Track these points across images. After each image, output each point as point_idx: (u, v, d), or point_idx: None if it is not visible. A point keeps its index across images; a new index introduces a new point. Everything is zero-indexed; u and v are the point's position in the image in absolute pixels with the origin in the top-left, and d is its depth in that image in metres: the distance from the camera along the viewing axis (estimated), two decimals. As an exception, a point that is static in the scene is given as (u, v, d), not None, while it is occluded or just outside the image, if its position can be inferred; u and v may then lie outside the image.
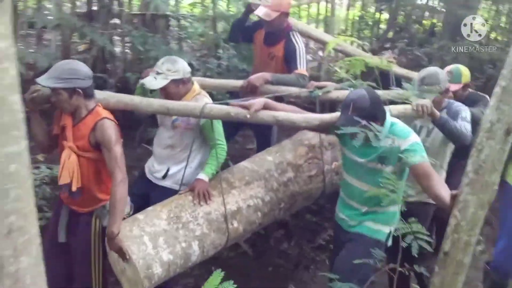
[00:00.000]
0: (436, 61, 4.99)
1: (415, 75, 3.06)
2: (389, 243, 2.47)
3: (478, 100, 3.18)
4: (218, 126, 2.70)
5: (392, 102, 2.75)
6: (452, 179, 2.63)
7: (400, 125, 2.39)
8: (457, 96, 3.05)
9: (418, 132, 2.81)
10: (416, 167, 2.23)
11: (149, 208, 2.51)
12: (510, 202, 2.79)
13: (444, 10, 5.98)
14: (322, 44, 4.45)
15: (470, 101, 3.09)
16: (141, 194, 2.71)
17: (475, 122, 2.73)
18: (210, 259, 2.71)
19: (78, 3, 4.80)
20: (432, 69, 2.84)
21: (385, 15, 6.56)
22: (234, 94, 3.46)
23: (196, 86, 2.75)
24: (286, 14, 3.31)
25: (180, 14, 4.53)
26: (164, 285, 2.50)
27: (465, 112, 2.77)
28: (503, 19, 6.25)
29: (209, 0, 4.66)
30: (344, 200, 2.56)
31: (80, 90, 2.22)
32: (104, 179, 2.41)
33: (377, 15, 6.43)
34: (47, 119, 2.60)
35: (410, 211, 2.07)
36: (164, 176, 2.77)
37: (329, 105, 4.00)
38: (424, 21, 6.40)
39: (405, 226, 1.96)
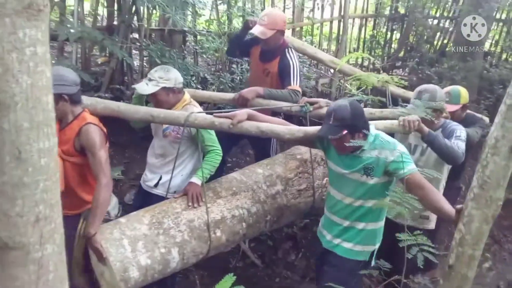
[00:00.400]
0: (446, 80, 5.03)
1: (411, 94, 3.05)
2: (372, 262, 2.42)
3: (475, 122, 3.20)
4: (211, 135, 2.72)
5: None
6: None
7: (385, 137, 2.37)
8: (455, 117, 3.07)
9: (412, 151, 2.81)
10: (408, 178, 2.18)
11: (133, 213, 2.53)
12: None
13: (455, 31, 6.05)
14: (318, 61, 4.46)
15: (467, 122, 3.12)
16: (139, 206, 2.70)
17: (470, 143, 2.72)
18: (218, 269, 2.71)
19: (99, 18, 5.00)
20: (431, 86, 2.86)
21: (397, 35, 6.65)
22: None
23: (187, 96, 2.81)
24: (281, 32, 3.36)
25: (196, 30, 4.66)
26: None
27: (460, 131, 2.75)
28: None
29: (225, 18, 4.80)
30: (326, 215, 2.55)
31: (66, 96, 2.27)
32: (90, 182, 2.44)
33: (389, 34, 6.53)
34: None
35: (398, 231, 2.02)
36: (156, 185, 2.82)
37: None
38: (435, 41, 6.47)
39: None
